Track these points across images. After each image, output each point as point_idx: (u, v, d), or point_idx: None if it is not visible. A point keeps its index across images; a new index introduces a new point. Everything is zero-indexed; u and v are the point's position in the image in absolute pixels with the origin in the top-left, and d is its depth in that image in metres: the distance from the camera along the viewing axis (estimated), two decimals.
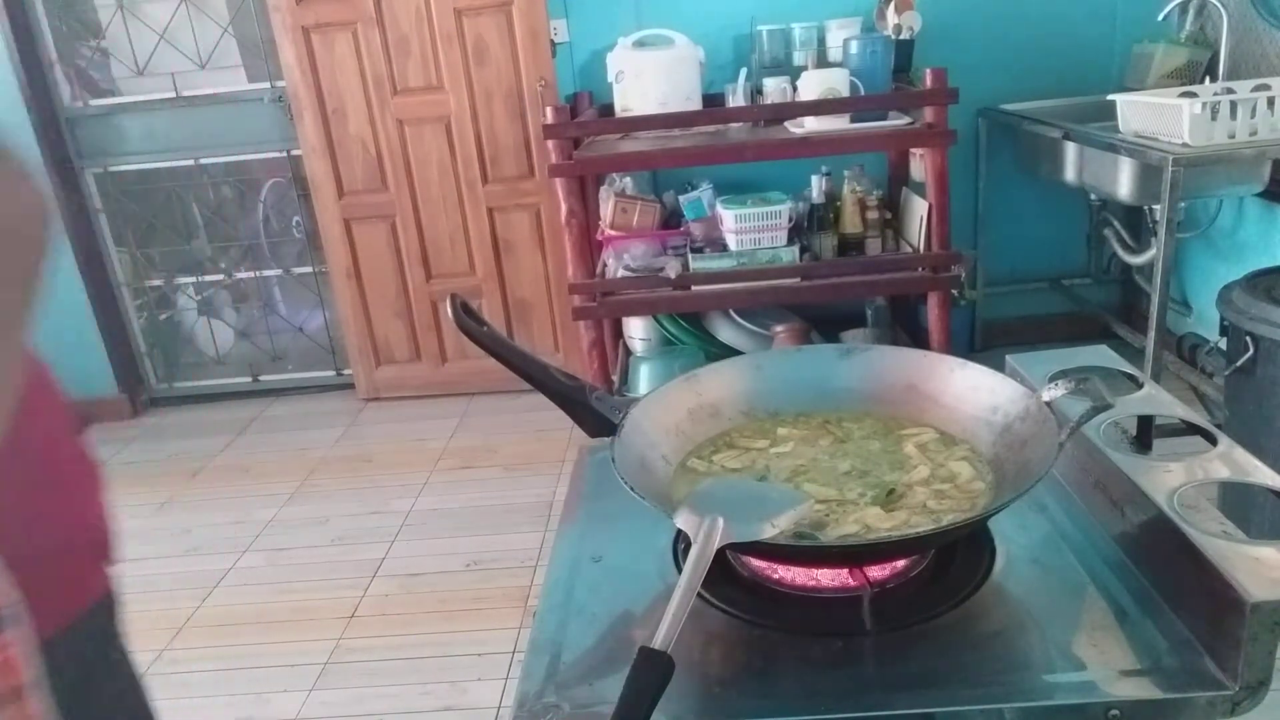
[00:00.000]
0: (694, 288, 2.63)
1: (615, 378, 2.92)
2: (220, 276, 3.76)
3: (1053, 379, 0.87)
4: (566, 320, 3.26)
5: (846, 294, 2.68)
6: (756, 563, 0.86)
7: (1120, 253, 2.97)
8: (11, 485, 0.66)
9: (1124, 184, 2.48)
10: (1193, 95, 2.26)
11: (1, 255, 0.52)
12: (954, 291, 2.62)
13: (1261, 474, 0.83)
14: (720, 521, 0.73)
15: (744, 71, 2.86)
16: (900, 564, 0.84)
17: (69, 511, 0.76)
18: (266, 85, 3.43)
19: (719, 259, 2.62)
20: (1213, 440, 0.89)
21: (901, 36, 2.82)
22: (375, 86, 3.27)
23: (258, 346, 3.83)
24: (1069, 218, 3.24)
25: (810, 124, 2.59)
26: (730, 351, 2.83)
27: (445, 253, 3.47)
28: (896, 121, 2.61)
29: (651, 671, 0.64)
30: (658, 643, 0.65)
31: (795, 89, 2.66)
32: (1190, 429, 0.93)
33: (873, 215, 2.68)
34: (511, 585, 2.36)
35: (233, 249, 3.73)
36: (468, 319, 0.92)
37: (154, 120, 3.51)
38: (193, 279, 3.75)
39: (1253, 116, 2.16)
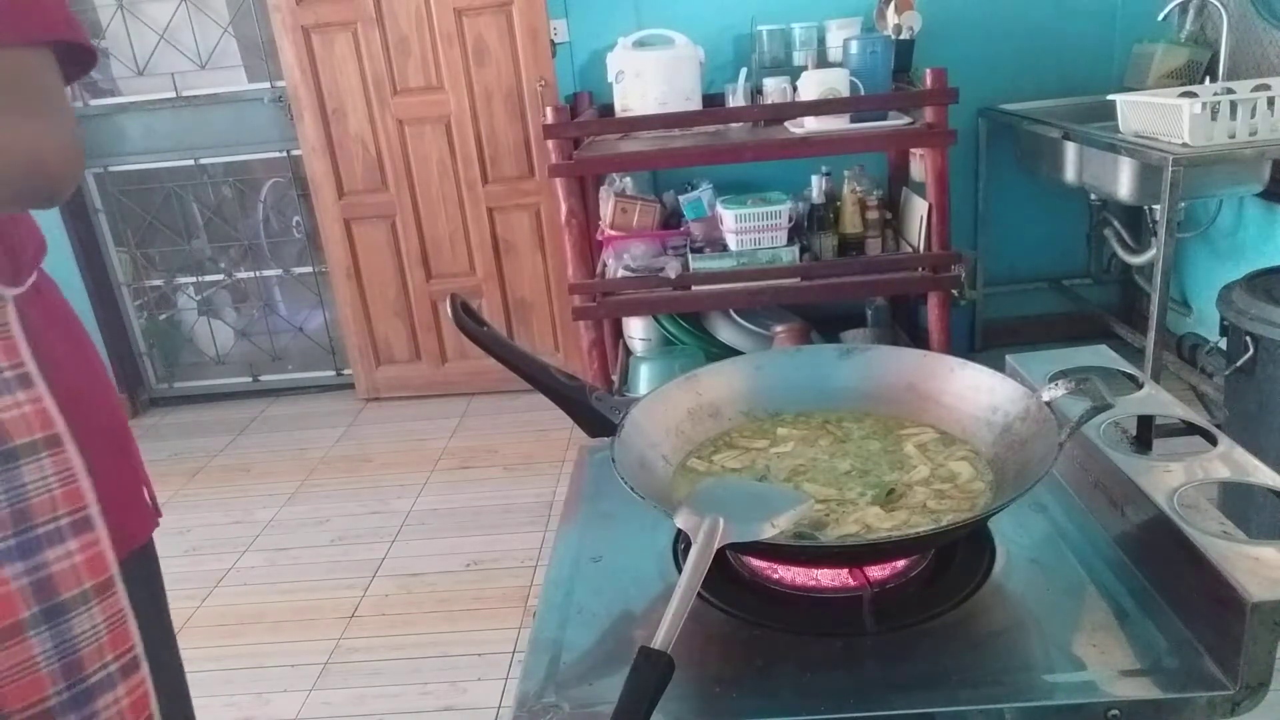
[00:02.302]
0: (694, 288, 2.63)
1: (615, 378, 2.92)
2: (220, 276, 3.76)
3: (1053, 379, 0.87)
4: (566, 320, 3.26)
5: (846, 294, 2.68)
6: (756, 563, 0.86)
7: (1120, 253, 2.97)
8: (98, 444, 0.87)
9: (1124, 184, 2.47)
10: (1193, 95, 2.25)
11: None
12: (954, 291, 2.61)
13: (1261, 474, 0.83)
14: (720, 521, 0.73)
15: (744, 71, 2.86)
16: (900, 564, 0.84)
17: (134, 469, 1.03)
18: (266, 85, 3.43)
19: (719, 259, 2.62)
20: (1213, 440, 0.89)
21: (901, 36, 2.83)
22: (375, 86, 3.27)
23: (258, 346, 3.83)
24: (1069, 218, 3.24)
25: (810, 124, 2.59)
26: (730, 351, 2.83)
27: (445, 253, 3.47)
28: (896, 121, 2.61)
29: (651, 671, 0.64)
30: (658, 643, 0.65)
31: (795, 89, 2.66)
32: (1190, 429, 0.93)
33: (873, 215, 2.68)
34: (511, 585, 2.36)
35: (233, 249, 3.73)
36: (468, 319, 0.92)
37: (154, 120, 3.51)
38: (193, 279, 3.76)
39: (1253, 116, 2.16)
